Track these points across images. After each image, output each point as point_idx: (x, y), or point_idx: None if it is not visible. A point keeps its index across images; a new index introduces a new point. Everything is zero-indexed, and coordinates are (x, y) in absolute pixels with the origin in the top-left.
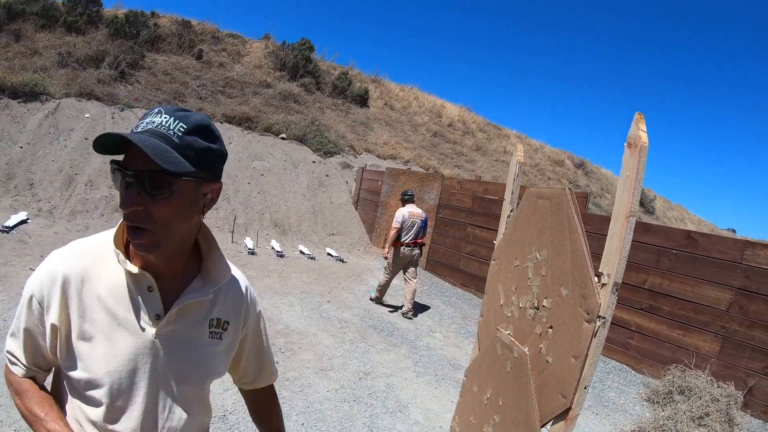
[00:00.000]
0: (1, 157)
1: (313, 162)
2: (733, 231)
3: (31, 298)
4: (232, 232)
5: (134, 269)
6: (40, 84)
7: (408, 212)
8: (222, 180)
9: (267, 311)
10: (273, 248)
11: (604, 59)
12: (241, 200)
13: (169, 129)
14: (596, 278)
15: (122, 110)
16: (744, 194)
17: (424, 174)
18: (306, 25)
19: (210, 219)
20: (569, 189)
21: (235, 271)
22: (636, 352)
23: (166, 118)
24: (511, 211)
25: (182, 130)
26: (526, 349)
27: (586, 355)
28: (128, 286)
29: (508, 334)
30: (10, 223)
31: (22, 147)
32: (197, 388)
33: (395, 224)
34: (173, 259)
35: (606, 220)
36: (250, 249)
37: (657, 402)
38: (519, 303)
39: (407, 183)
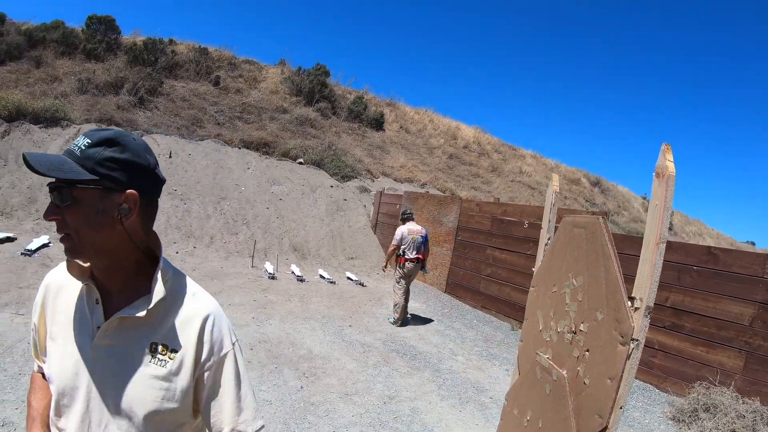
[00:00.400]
0: (22, 182)
1: (331, 186)
2: (753, 244)
3: (35, 301)
4: (252, 256)
5: (82, 281)
6: (61, 110)
7: (407, 229)
8: (240, 203)
9: (289, 336)
10: (293, 273)
11: (618, 74)
12: (260, 225)
13: (76, 145)
14: (629, 302)
15: (141, 136)
16: (762, 205)
17: (443, 197)
18: (321, 50)
19: (230, 243)
20: (602, 218)
21: (201, 302)
22: (660, 371)
23: (81, 137)
24: (549, 238)
25: (87, 144)
26: (564, 372)
27: (621, 376)
28: (83, 297)
29: (547, 357)
30: (33, 246)
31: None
32: (137, 416)
33: (394, 241)
34: (110, 273)
35: (625, 238)
36: (270, 274)
37: (682, 420)
38: (557, 328)
39: (426, 206)
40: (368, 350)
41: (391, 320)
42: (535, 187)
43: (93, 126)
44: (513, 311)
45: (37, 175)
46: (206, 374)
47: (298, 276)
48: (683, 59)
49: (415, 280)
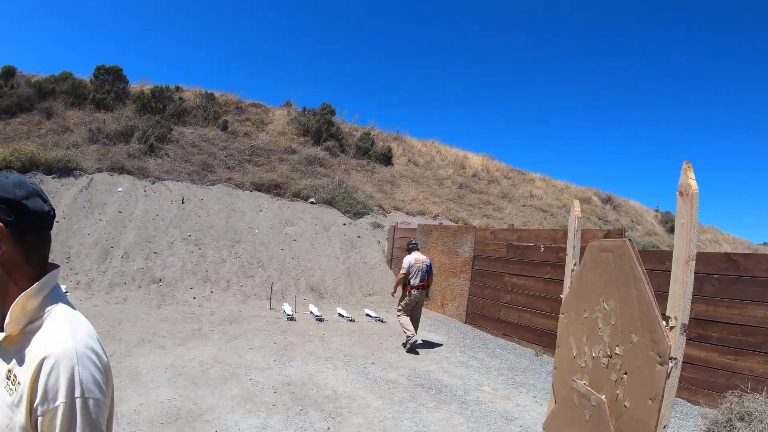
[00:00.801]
0: None
1: (344, 224)
2: None
3: None
4: (270, 298)
5: None
6: (73, 160)
7: (414, 259)
8: (254, 246)
9: (312, 377)
10: (311, 312)
11: (619, 87)
12: (276, 266)
13: None
14: (664, 321)
15: (153, 183)
16: None
17: (456, 227)
18: (325, 88)
19: (246, 287)
20: (629, 240)
21: (51, 342)
22: (689, 384)
23: None
24: (575, 264)
25: None
26: (603, 397)
27: (662, 395)
28: None
29: (584, 383)
30: None
31: (58, 221)
32: None
33: (402, 270)
34: None
35: (644, 254)
36: (289, 315)
37: None
38: (592, 353)
39: (440, 237)
40: (393, 387)
41: (403, 341)
42: (547, 210)
43: (105, 175)
44: (535, 336)
45: (54, 224)
46: (40, 419)
47: (316, 316)
48: (680, 65)
49: (435, 312)
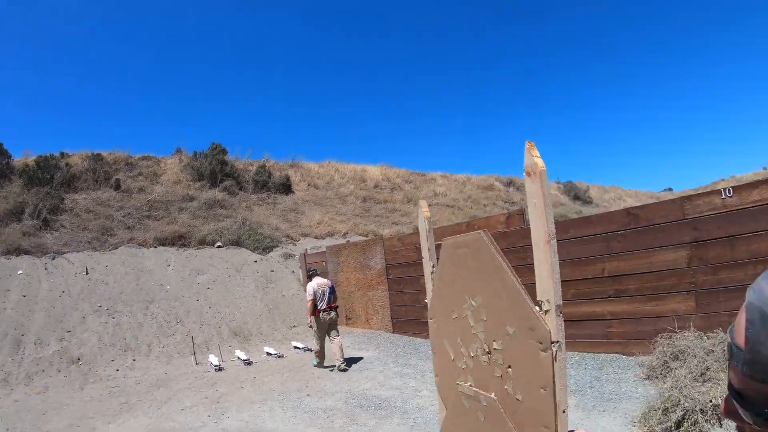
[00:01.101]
0: None
1: (255, 261)
2: (670, 190)
3: None
4: (194, 353)
5: None
6: None
7: (316, 284)
8: (169, 302)
9: (249, 423)
10: (239, 358)
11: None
12: (194, 319)
13: None
14: (537, 307)
15: (53, 258)
16: (669, 151)
17: (364, 242)
18: (214, 128)
19: (169, 346)
20: (484, 231)
21: None
22: (621, 338)
23: None
24: (433, 266)
25: None
26: (492, 395)
27: (554, 381)
28: None
29: (469, 385)
30: None
31: None
32: None
33: (309, 297)
34: None
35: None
36: (216, 365)
37: (656, 377)
38: (470, 352)
39: (350, 255)
40: (332, 414)
41: (314, 363)
42: (453, 205)
43: (2, 259)
44: None
45: None
46: None
47: (244, 360)
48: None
49: (361, 329)
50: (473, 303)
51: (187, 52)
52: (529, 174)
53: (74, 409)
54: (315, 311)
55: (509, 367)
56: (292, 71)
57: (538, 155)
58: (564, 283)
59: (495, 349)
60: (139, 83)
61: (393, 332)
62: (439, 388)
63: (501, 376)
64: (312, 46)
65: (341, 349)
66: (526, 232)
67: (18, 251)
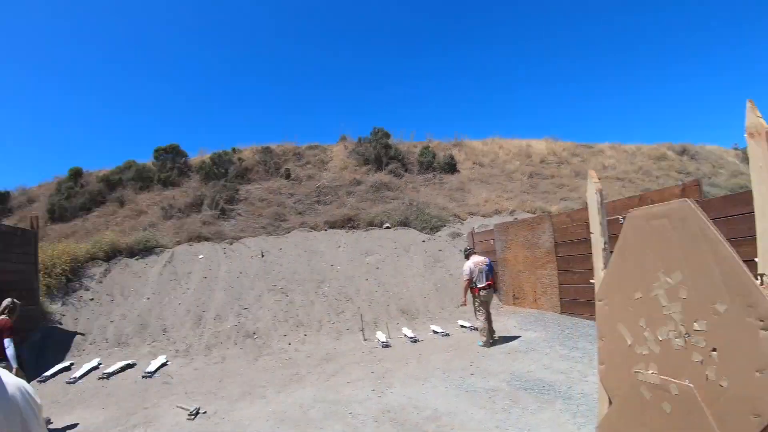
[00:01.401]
0: (132, 311)
1: (423, 241)
2: None
3: None
4: (363, 330)
5: None
6: (152, 239)
7: (473, 263)
8: (339, 282)
9: (412, 400)
10: (406, 335)
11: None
12: (364, 297)
13: None
14: (758, 281)
15: (231, 243)
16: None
17: (531, 219)
18: (376, 113)
19: (338, 323)
20: (690, 199)
21: None
22: None
23: None
24: (605, 243)
25: None
26: (687, 382)
27: None
28: None
29: (653, 373)
30: (152, 368)
31: (148, 298)
32: None
33: (465, 276)
34: None
35: (729, 200)
36: (383, 342)
37: None
38: (657, 336)
39: (518, 233)
40: (494, 395)
41: (480, 343)
42: (623, 177)
43: (185, 246)
44: None
45: (145, 301)
46: None
47: (411, 337)
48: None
49: (528, 309)
50: (669, 280)
51: (345, 42)
52: (752, 135)
53: (248, 378)
54: (474, 289)
55: (713, 349)
56: (451, 49)
57: (760, 115)
58: None
59: (696, 330)
60: (302, 76)
61: (561, 313)
62: (602, 378)
63: (702, 361)
64: (469, 19)
65: (492, 323)
66: (704, 205)
67: (199, 238)
